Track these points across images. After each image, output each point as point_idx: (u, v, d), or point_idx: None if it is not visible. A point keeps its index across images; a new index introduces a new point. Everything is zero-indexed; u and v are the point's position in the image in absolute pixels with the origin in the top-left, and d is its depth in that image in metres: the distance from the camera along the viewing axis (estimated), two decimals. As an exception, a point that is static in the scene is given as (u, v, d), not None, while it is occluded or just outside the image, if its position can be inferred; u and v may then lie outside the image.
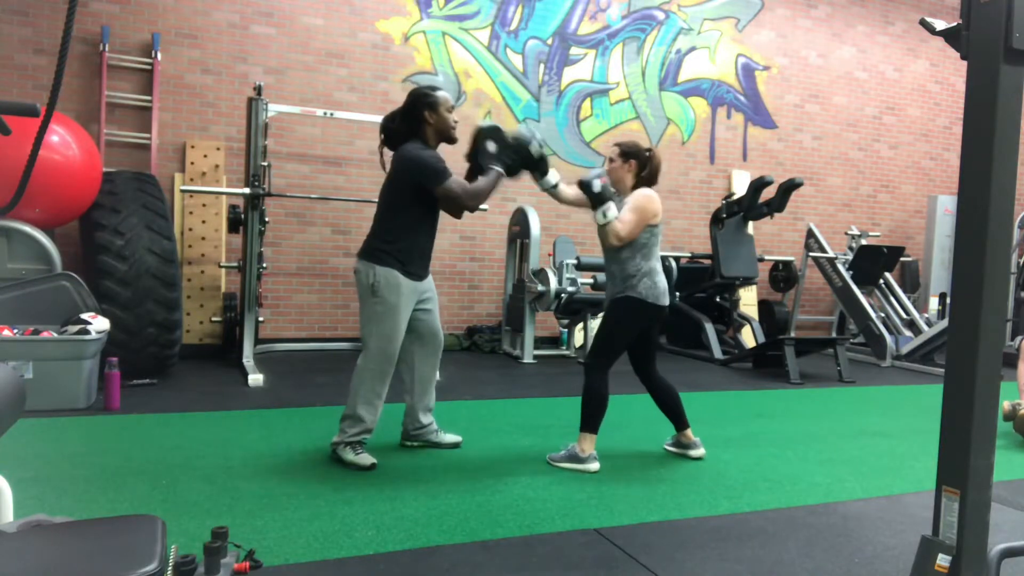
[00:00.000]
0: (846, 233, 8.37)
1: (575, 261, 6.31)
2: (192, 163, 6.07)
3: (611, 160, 3.48)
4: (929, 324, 7.38)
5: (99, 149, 5.56)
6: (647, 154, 3.44)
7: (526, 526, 2.66)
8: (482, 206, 3.56)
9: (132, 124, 5.94)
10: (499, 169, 3.29)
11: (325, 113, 5.93)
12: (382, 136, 3.39)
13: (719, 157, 8.21)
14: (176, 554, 1.50)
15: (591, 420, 3.36)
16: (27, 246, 4.56)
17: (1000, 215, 1.64)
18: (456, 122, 3.36)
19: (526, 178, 3.61)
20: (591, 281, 6.42)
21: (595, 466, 3.33)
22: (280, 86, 6.33)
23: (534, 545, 2.51)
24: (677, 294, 7.44)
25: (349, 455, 3.27)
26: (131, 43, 5.92)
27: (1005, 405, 4.16)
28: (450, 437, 3.66)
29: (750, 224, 7.38)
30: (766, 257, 8.01)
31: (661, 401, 3.63)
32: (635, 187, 3.43)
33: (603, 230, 3.30)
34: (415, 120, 3.28)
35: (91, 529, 1.42)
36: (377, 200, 3.38)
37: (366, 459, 3.26)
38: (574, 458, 3.34)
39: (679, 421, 3.62)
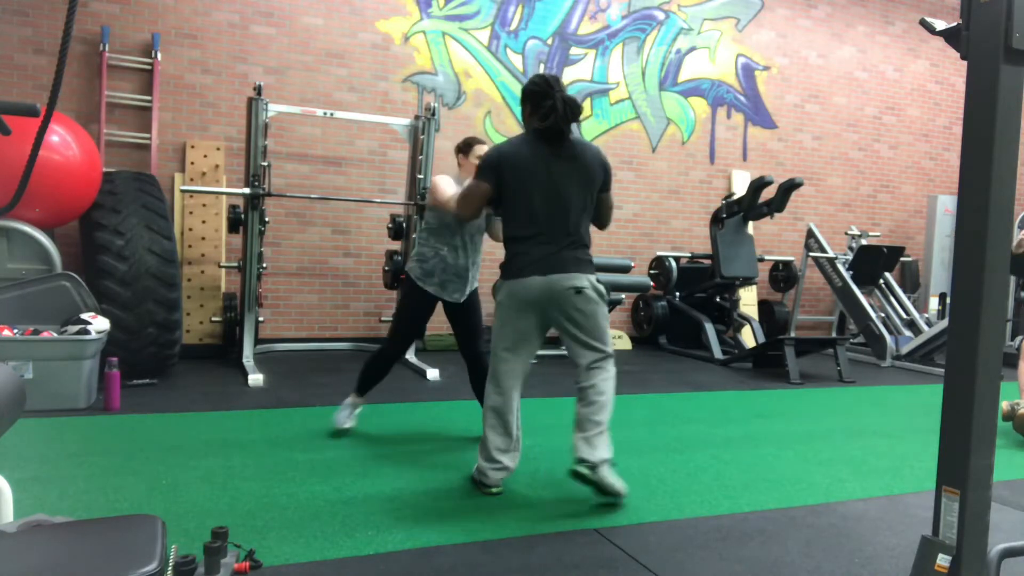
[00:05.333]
0: (846, 233, 8.37)
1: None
2: (192, 163, 6.07)
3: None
4: (929, 324, 7.38)
5: (99, 149, 5.57)
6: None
7: (526, 526, 2.66)
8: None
9: (132, 124, 5.94)
10: None
11: (325, 113, 5.93)
12: (572, 123, 2.91)
13: (719, 157, 8.21)
14: (176, 554, 1.50)
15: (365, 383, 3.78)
16: (27, 246, 4.55)
17: (1000, 215, 1.64)
18: None
19: None
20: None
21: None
22: (280, 86, 6.33)
23: (534, 545, 2.51)
24: (677, 294, 7.45)
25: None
26: (131, 43, 5.92)
27: (1004, 405, 4.16)
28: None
29: (750, 224, 7.38)
30: (766, 257, 8.02)
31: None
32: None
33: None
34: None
35: (91, 529, 1.42)
36: (562, 199, 2.90)
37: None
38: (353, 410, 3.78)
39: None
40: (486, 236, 3.84)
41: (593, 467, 2.81)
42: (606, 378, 2.95)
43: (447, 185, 3.48)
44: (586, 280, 2.91)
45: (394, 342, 3.69)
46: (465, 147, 3.73)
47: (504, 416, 3.01)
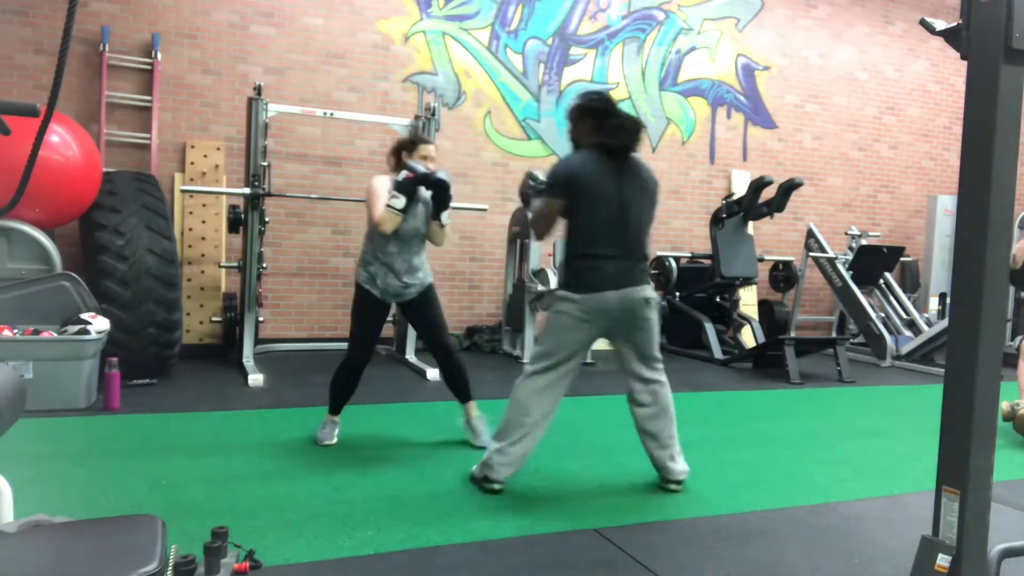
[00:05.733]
0: (846, 233, 8.37)
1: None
2: (192, 163, 6.07)
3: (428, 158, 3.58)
4: (929, 324, 7.38)
5: (99, 149, 5.56)
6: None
7: (526, 526, 2.66)
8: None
9: (132, 124, 5.94)
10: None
11: (325, 113, 5.92)
12: (635, 143, 2.99)
13: (719, 157, 8.21)
14: (176, 554, 1.50)
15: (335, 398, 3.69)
16: (27, 246, 4.55)
17: (1000, 215, 1.64)
18: None
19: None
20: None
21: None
22: (280, 86, 6.33)
23: (534, 545, 2.51)
24: (677, 294, 7.45)
25: None
26: (131, 43, 5.91)
27: (1004, 405, 4.15)
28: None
29: (750, 224, 7.38)
30: (766, 257, 8.01)
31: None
32: None
33: (446, 230, 3.62)
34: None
35: (91, 529, 1.42)
36: (629, 214, 2.96)
37: None
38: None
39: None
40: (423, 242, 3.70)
41: (681, 482, 3.15)
42: (667, 392, 3.16)
43: (383, 193, 3.39)
44: (650, 291, 3.05)
45: (353, 350, 3.57)
46: (410, 144, 3.57)
47: (535, 423, 3.03)
